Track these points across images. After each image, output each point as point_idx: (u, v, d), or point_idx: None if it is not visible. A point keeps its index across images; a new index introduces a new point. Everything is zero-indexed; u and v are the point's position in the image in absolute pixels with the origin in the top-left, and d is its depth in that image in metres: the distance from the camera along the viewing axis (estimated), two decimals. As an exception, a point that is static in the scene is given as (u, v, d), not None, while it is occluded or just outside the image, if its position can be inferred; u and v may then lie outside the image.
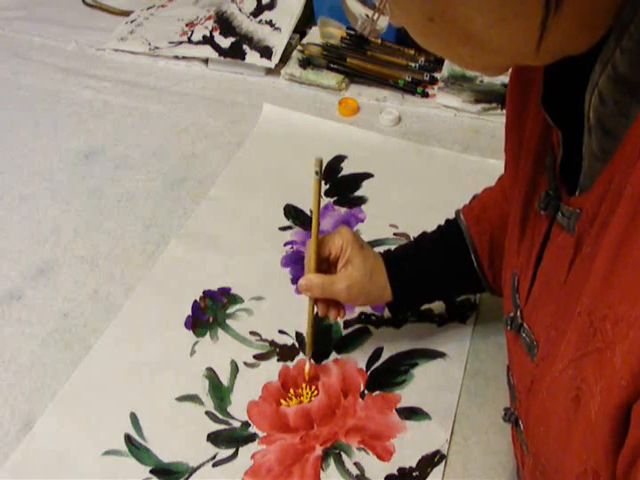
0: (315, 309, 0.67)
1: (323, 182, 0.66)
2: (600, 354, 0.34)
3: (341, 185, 0.96)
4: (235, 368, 0.73)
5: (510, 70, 0.50)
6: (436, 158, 1.00)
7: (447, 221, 0.72)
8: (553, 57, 0.36)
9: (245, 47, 1.19)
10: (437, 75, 1.14)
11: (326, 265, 0.66)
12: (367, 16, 0.38)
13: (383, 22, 0.37)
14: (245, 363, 0.74)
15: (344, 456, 0.65)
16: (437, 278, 0.69)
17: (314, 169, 0.62)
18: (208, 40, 1.22)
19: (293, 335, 0.76)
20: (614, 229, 0.34)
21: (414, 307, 0.75)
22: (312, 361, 0.71)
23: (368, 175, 0.98)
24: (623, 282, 0.33)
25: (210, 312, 0.79)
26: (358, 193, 0.95)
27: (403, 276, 0.67)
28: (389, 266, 0.67)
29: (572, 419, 0.38)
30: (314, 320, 0.68)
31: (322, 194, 0.65)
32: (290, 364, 0.73)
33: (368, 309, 0.78)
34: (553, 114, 0.42)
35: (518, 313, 0.49)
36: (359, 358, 0.74)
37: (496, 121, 1.05)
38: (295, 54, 1.20)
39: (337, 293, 0.64)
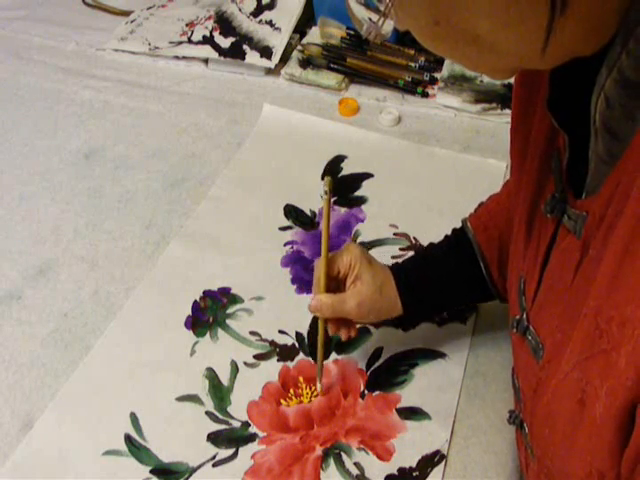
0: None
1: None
2: (606, 356, 0.34)
3: (341, 185, 0.96)
4: (235, 368, 0.73)
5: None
6: (436, 158, 1.00)
7: (454, 230, 0.71)
8: (559, 60, 0.36)
9: (245, 47, 1.19)
10: (437, 75, 1.14)
11: (335, 284, 0.65)
12: (372, 20, 0.37)
13: (388, 26, 0.37)
14: (245, 363, 0.74)
15: (344, 456, 0.65)
16: (447, 289, 0.68)
17: (323, 188, 0.61)
18: (208, 40, 1.22)
19: (293, 335, 0.76)
20: (621, 231, 0.34)
21: (424, 319, 0.75)
22: (314, 362, 0.71)
23: (368, 175, 0.98)
24: (629, 284, 0.33)
25: (210, 312, 0.79)
26: (358, 193, 0.95)
27: (413, 288, 0.66)
28: (398, 279, 0.66)
29: (577, 421, 0.38)
30: (325, 342, 0.67)
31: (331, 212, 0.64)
32: (290, 364, 0.73)
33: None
34: (559, 117, 0.42)
35: (524, 316, 0.49)
36: (359, 358, 0.74)
37: (496, 121, 1.05)
38: (295, 54, 1.20)
39: (348, 311, 0.63)
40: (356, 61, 1.16)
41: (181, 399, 0.71)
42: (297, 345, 0.75)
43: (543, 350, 0.44)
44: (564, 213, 0.43)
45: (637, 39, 0.33)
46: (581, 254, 0.40)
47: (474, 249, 0.67)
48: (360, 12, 0.38)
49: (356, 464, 0.65)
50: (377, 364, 0.73)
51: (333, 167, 0.99)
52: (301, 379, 0.71)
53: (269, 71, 1.19)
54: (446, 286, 0.68)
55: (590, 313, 0.36)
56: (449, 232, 0.72)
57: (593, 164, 0.39)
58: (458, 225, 0.71)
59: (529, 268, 0.49)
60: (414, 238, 0.86)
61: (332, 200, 0.93)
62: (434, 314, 0.74)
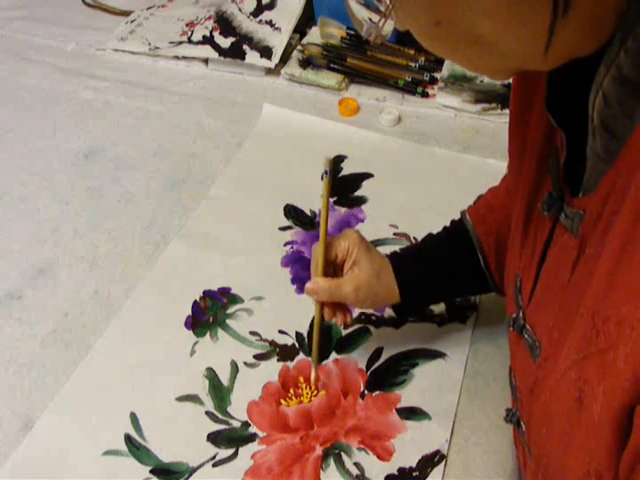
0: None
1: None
2: (603, 355, 0.34)
3: (341, 185, 0.96)
4: (235, 368, 0.73)
5: None
6: (436, 158, 1.00)
7: (452, 222, 0.72)
8: (560, 60, 0.36)
9: (245, 47, 1.19)
10: (437, 75, 1.14)
11: (332, 269, 0.66)
12: (372, 21, 0.37)
13: (388, 27, 0.37)
14: (245, 363, 0.74)
15: (344, 456, 0.65)
16: (444, 278, 0.68)
17: (324, 168, 0.61)
18: (208, 40, 1.22)
19: (293, 335, 0.76)
20: (618, 230, 0.34)
21: (420, 308, 0.75)
22: (318, 366, 0.70)
23: (368, 175, 0.98)
24: (627, 283, 0.33)
25: (210, 312, 0.79)
26: (358, 193, 0.95)
27: (410, 277, 0.66)
28: (396, 267, 0.66)
29: (574, 420, 0.38)
30: (321, 325, 0.67)
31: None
32: (290, 364, 0.73)
33: (368, 309, 0.78)
34: (557, 116, 0.42)
35: (521, 314, 0.49)
36: (359, 358, 0.74)
37: (496, 121, 1.05)
38: (295, 54, 1.20)
39: (344, 296, 0.64)
40: (356, 61, 1.16)
41: (181, 399, 0.71)
42: (297, 345, 0.75)
43: (540, 349, 0.44)
44: (561, 211, 0.43)
45: (635, 37, 0.33)
46: (578, 252, 0.40)
47: (472, 240, 0.67)
48: (360, 12, 0.38)
49: (356, 464, 0.65)
50: (377, 364, 0.73)
51: (333, 167, 0.99)
52: (301, 379, 0.71)
53: (269, 71, 1.19)
54: (444, 275, 0.68)
55: (587, 312, 0.36)
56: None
57: (590, 162, 0.39)
58: (458, 225, 0.71)
59: (526, 266, 0.49)
60: (414, 238, 0.86)
61: (332, 200, 0.94)
62: (431, 303, 0.74)
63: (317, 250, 0.64)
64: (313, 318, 0.71)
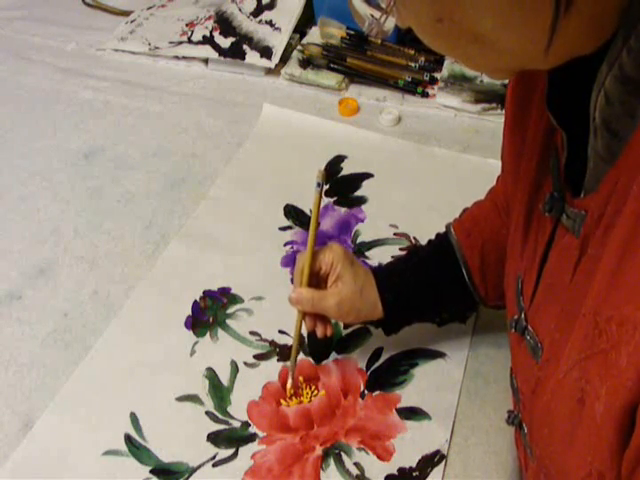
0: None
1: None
2: (605, 355, 0.34)
3: (341, 185, 0.96)
4: (235, 368, 0.73)
5: None
6: (436, 158, 1.00)
7: (438, 235, 0.71)
8: (561, 59, 0.36)
9: (245, 47, 1.19)
10: (437, 75, 1.14)
11: (315, 280, 0.66)
12: (374, 17, 0.37)
13: (390, 23, 0.37)
14: (245, 363, 0.74)
15: (344, 456, 0.65)
16: (428, 293, 0.68)
17: (316, 180, 0.61)
18: (208, 40, 1.22)
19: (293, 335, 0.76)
20: (620, 230, 0.34)
21: (405, 323, 0.72)
22: (314, 362, 0.71)
23: (368, 175, 0.98)
24: (629, 283, 0.33)
25: (210, 312, 0.79)
26: (358, 193, 0.95)
27: (393, 293, 0.66)
28: (379, 283, 0.66)
29: (577, 421, 0.38)
30: (301, 335, 0.68)
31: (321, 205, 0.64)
32: (290, 364, 0.73)
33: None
34: (557, 115, 0.42)
35: (522, 315, 0.49)
36: (359, 358, 0.74)
37: (496, 121, 1.05)
38: (295, 54, 1.20)
39: (327, 309, 0.64)
40: (356, 61, 1.16)
41: (181, 399, 0.71)
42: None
43: (542, 350, 0.44)
44: (562, 212, 0.42)
45: (638, 36, 0.33)
46: (580, 253, 0.40)
47: (457, 254, 0.67)
48: (362, 9, 0.38)
49: (356, 464, 0.65)
50: (377, 364, 0.73)
51: (333, 167, 0.99)
52: (301, 379, 0.71)
53: (269, 71, 1.19)
54: (428, 290, 0.68)
55: (589, 312, 0.36)
56: None
57: (592, 162, 0.39)
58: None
59: (527, 268, 0.49)
60: (414, 238, 0.87)
61: (332, 200, 0.94)
62: (416, 318, 0.72)
63: (302, 260, 0.65)
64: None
